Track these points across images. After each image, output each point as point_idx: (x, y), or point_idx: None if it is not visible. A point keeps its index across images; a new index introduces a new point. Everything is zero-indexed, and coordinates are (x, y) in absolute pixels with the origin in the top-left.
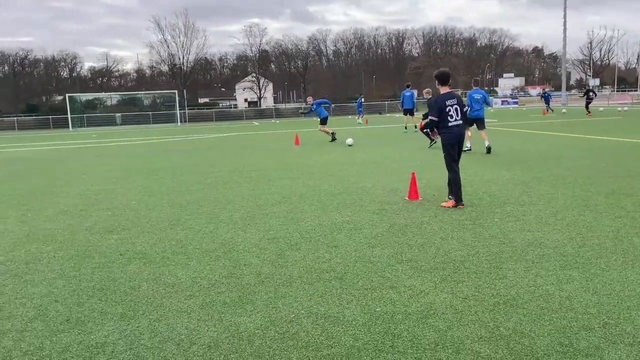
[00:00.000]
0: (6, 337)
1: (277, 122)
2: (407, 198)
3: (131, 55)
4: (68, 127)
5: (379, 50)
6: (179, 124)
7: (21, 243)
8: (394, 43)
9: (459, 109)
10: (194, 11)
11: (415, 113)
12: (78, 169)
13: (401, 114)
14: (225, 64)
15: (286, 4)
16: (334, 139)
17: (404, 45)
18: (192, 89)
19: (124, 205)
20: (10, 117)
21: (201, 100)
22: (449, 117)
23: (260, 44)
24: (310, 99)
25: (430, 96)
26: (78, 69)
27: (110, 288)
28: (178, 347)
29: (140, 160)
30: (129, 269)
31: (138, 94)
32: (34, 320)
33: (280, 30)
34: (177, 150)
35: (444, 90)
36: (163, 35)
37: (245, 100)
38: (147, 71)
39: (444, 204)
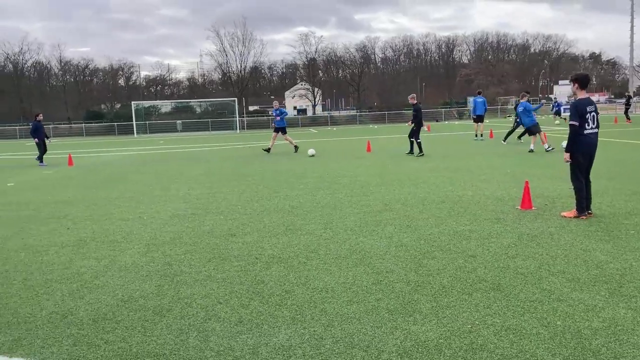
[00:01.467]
0: (190, 336)
1: (334, 129)
2: (519, 207)
3: (181, 64)
4: (132, 133)
5: (428, 57)
6: (237, 131)
7: (153, 245)
8: (443, 50)
9: (596, 116)
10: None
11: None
12: (168, 174)
13: (460, 121)
14: (275, 72)
15: (332, 13)
16: (296, 150)
17: (454, 52)
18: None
19: (230, 209)
20: (78, 123)
21: (251, 108)
22: (586, 125)
23: (316, 51)
24: (276, 104)
25: (415, 102)
26: (134, 78)
27: (265, 291)
28: (367, 354)
29: (223, 166)
30: (272, 273)
31: (201, 101)
32: (207, 320)
33: (326, 38)
34: (252, 156)
35: (581, 95)
36: (222, 44)
37: (295, 107)
38: (199, 79)
39: (565, 213)
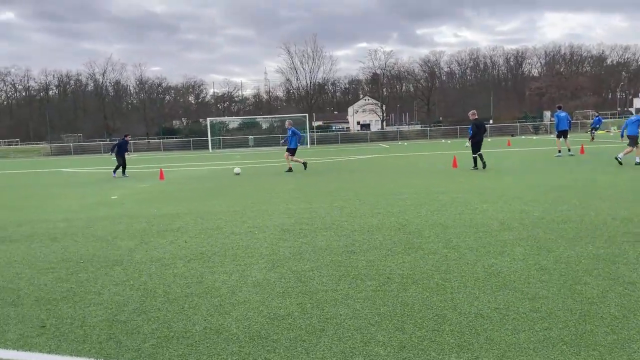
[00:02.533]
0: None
1: (405, 144)
2: None
3: (246, 81)
4: (207, 148)
5: (495, 71)
6: (308, 145)
7: (276, 260)
8: (511, 63)
9: None
10: (303, 38)
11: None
12: (261, 188)
13: (537, 136)
14: (338, 88)
15: (394, 28)
16: (290, 170)
17: (523, 65)
18: (304, 111)
19: (338, 225)
20: (155, 139)
21: (314, 124)
22: None
23: (385, 66)
24: (289, 123)
25: (476, 117)
26: (203, 95)
27: (415, 314)
28: None
29: (310, 181)
30: (412, 294)
31: (274, 117)
32: (368, 344)
33: (369, 54)
34: (334, 170)
35: None
36: (292, 61)
37: (358, 122)
38: (264, 96)
39: None
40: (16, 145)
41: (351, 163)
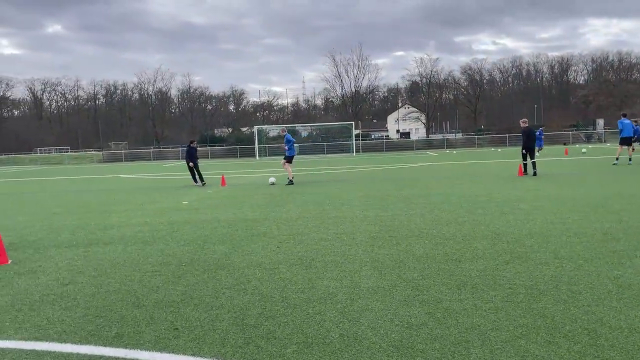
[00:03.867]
0: None
1: (454, 152)
2: None
3: (283, 90)
4: (253, 156)
5: (539, 78)
6: (354, 153)
7: (382, 267)
8: (556, 70)
9: None
10: (339, 47)
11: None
12: (328, 195)
13: (590, 144)
14: (377, 96)
15: (431, 36)
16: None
17: (569, 72)
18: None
19: (426, 233)
20: (202, 146)
21: (355, 132)
22: None
23: (431, 73)
24: (283, 130)
25: (527, 125)
26: (244, 104)
27: (562, 328)
28: None
29: (374, 187)
30: (548, 307)
31: (320, 125)
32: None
33: (415, 62)
34: (395, 177)
35: None
36: (337, 69)
37: (398, 131)
38: (303, 104)
39: None
40: (66, 152)
41: (408, 170)
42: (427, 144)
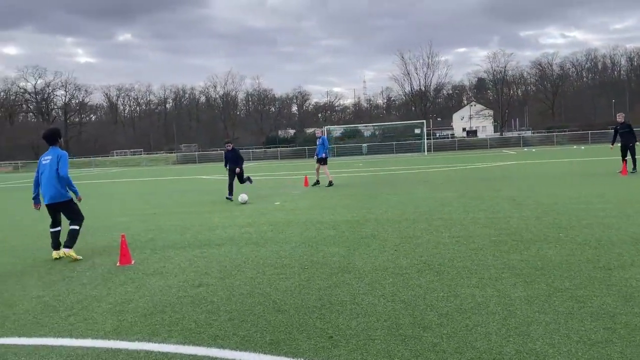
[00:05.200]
0: None
1: (534, 150)
2: None
3: (342, 90)
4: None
5: (616, 72)
6: (425, 153)
7: (527, 275)
8: (636, 62)
9: None
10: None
11: None
12: (414, 194)
13: None
14: (440, 94)
15: (494, 32)
16: (316, 184)
17: None
18: (408, 117)
19: (556, 238)
20: (271, 147)
21: (416, 131)
22: None
23: (505, 69)
24: (319, 132)
25: (623, 120)
26: (306, 105)
27: None
28: None
29: (470, 186)
30: None
31: (390, 124)
32: None
33: (487, 58)
34: (486, 177)
35: None
36: (406, 68)
37: (464, 129)
38: (364, 104)
39: None
40: (140, 154)
41: (493, 170)
42: (502, 142)
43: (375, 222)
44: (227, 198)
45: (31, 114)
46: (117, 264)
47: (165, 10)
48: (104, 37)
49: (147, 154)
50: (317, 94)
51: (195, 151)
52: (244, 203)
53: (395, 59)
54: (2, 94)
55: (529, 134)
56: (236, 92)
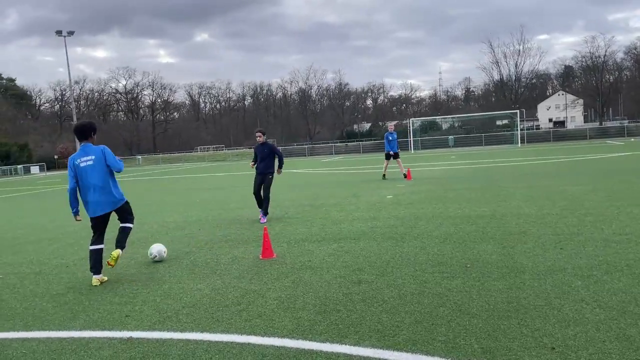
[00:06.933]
0: None
1: None
2: None
3: (417, 82)
4: (407, 149)
5: None
6: (519, 144)
7: None
8: None
9: None
10: (478, 35)
11: None
12: (553, 187)
13: None
14: (522, 84)
15: (578, 16)
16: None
17: None
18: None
19: None
20: (353, 141)
21: (498, 122)
22: None
23: (605, 54)
24: (391, 126)
25: None
26: (381, 99)
27: None
28: None
29: (597, 180)
30: None
31: (482, 115)
32: None
33: (571, 45)
34: (608, 170)
35: None
36: (495, 56)
37: (550, 120)
38: (442, 96)
39: None
40: (222, 150)
41: (612, 161)
42: (602, 133)
43: (513, 217)
44: (262, 221)
45: (121, 112)
46: (260, 257)
47: (239, 10)
48: (183, 38)
49: (229, 149)
50: (393, 87)
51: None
52: (157, 259)
53: (481, 47)
54: (96, 94)
55: (626, 123)
56: (318, 86)
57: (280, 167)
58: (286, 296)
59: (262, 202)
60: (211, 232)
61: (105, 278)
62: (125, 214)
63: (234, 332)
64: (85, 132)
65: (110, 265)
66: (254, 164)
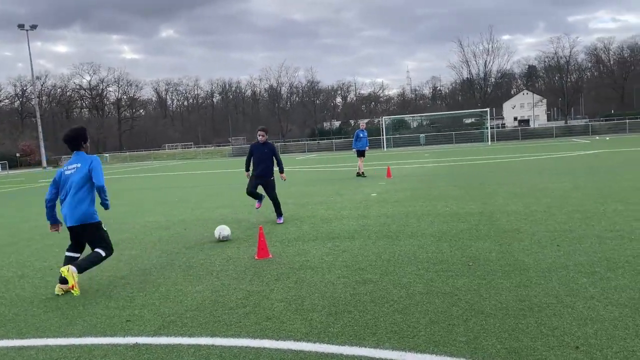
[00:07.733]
0: None
1: (607, 138)
2: None
3: (384, 81)
4: (380, 147)
5: None
6: (489, 142)
7: None
8: None
9: None
10: (445, 35)
11: None
12: (537, 185)
13: None
14: (487, 83)
15: (539, 17)
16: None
17: None
18: (455, 107)
19: None
20: (324, 140)
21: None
22: None
23: (569, 55)
24: (363, 124)
25: None
26: (350, 97)
27: None
28: None
29: (589, 178)
30: None
31: (452, 113)
32: None
33: (532, 45)
34: (579, 169)
35: None
36: (465, 55)
37: (515, 118)
38: (410, 95)
39: None
40: (191, 147)
41: (584, 159)
42: (567, 131)
43: (502, 214)
44: (278, 222)
45: (86, 109)
46: (255, 257)
47: (205, 6)
48: (148, 34)
49: (197, 147)
50: (363, 86)
51: (244, 144)
52: (224, 240)
53: (451, 46)
54: (58, 90)
55: (590, 122)
56: (290, 84)
57: (281, 170)
58: (292, 297)
59: (258, 196)
60: (198, 232)
61: (76, 291)
62: (97, 239)
63: (246, 335)
64: (75, 141)
65: (60, 291)
66: (249, 173)
